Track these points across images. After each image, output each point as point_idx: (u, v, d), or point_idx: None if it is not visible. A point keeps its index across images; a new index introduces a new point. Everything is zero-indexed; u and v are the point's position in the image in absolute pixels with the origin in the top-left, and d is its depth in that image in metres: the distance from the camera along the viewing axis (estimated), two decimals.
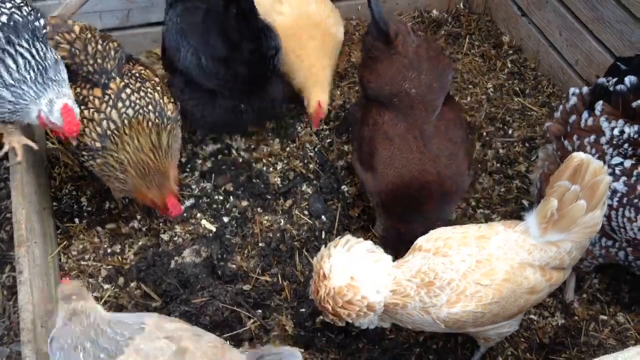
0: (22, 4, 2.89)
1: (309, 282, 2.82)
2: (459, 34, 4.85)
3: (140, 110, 3.12)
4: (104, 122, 3.06)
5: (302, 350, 3.09)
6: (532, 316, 3.23)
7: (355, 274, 2.56)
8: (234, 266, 3.39)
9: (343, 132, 4.07)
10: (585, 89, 3.09)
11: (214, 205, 3.68)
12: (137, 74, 3.25)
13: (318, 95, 3.70)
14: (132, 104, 3.11)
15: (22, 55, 2.73)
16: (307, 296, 3.23)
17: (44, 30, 2.89)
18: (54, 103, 2.78)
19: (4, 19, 2.77)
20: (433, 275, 2.53)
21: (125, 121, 3.08)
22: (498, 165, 3.94)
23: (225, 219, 3.61)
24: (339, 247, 2.64)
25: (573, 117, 3.04)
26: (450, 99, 3.36)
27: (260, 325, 3.17)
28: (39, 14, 2.92)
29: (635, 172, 2.81)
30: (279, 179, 3.82)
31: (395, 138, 3.15)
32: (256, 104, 3.59)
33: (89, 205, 3.65)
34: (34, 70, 2.75)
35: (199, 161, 3.90)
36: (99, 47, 3.24)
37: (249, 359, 2.20)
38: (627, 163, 2.84)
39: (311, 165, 3.89)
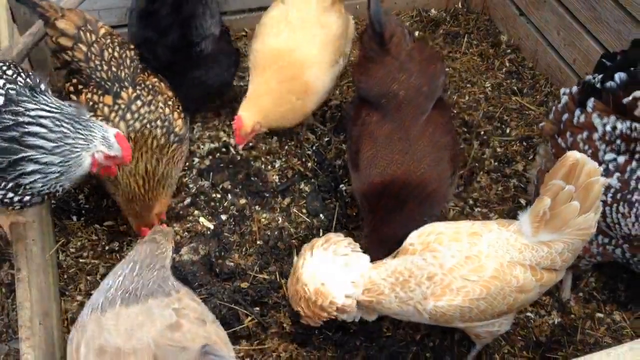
0: (14, 76, 2.61)
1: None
2: (458, 33, 4.85)
3: (148, 125, 3.10)
4: None
5: (300, 347, 3.10)
6: (528, 314, 3.24)
7: (326, 280, 2.66)
8: (231, 264, 3.39)
9: (341, 132, 4.07)
10: (574, 88, 3.11)
11: (212, 203, 3.68)
12: (150, 86, 3.24)
13: (241, 110, 3.49)
14: (141, 117, 3.11)
15: (42, 116, 2.48)
16: None
17: (43, 86, 2.64)
18: (108, 137, 2.61)
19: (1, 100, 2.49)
20: (408, 274, 2.58)
21: (132, 135, 3.05)
22: (496, 164, 3.95)
23: (223, 217, 3.62)
24: (316, 249, 2.72)
25: (565, 116, 3.06)
26: (441, 104, 3.35)
27: (258, 323, 3.18)
28: (38, 78, 2.67)
29: (628, 168, 2.83)
30: (277, 177, 3.83)
31: (380, 138, 3.15)
32: (183, 88, 3.61)
33: (87, 202, 3.66)
34: (66, 122, 2.51)
35: (197, 159, 3.91)
36: (115, 53, 3.23)
37: (200, 350, 2.23)
38: (620, 159, 2.86)
39: (309, 164, 3.90)
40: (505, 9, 4.79)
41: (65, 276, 3.34)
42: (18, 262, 2.76)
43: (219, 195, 3.72)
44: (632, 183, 2.79)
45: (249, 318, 3.18)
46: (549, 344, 3.13)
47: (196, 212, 3.63)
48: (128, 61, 3.27)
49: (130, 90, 3.16)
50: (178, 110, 3.28)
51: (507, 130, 4.15)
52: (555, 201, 2.50)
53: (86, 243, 3.47)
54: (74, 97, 3.18)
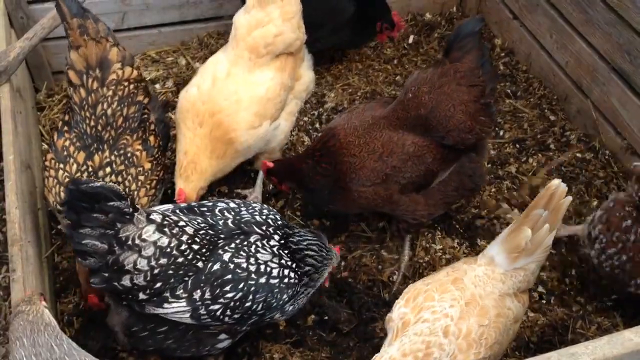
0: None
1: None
2: None
3: None
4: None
5: (293, 348, 3.12)
6: None
7: None
8: None
9: None
10: None
11: None
12: (129, 154, 3.06)
13: (181, 184, 3.30)
14: None
15: (312, 243, 2.86)
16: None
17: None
18: (337, 254, 2.98)
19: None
20: (425, 347, 2.33)
21: None
22: (489, 166, 3.97)
23: None
24: None
25: None
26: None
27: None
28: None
29: None
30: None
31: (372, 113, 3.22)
32: None
33: None
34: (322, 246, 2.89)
35: None
36: (109, 110, 3.07)
37: None
38: None
39: None
40: (499, 12, 4.82)
41: (61, 278, 3.37)
42: (13, 263, 2.77)
43: (215, 198, 3.74)
44: None
45: None
46: (540, 344, 3.14)
47: None
48: (120, 120, 3.09)
49: (106, 154, 3.02)
50: (148, 187, 3.10)
51: (501, 133, 4.18)
52: (533, 230, 2.54)
53: None
54: (55, 135, 3.10)
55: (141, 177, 3.09)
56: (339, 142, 3.13)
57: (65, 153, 3.03)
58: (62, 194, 2.93)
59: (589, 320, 3.25)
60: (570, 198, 2.57)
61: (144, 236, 2.43)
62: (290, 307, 2.80)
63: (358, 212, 3.53)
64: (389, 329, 2.52)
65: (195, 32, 4.66)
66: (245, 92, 3.32)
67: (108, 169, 3.01)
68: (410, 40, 4.80)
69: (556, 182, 2.54)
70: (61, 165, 3.00)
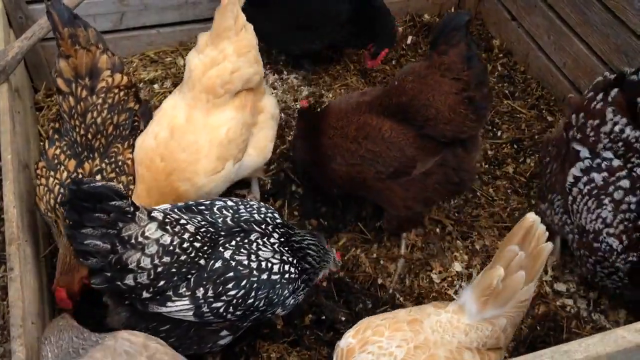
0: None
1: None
2: None
3: None
4: (60, 199, 2.94)
5: (290, 347, 3.13)
6: None
7: None
8: None
9: None
10: (610, 75, 3.07)
11: None
12: (120, 162, 3.07)
13: None
14: None
15: (311, 243, 2.91)
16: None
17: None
18: (335, 258, 3.05)
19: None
20: None
21: None
22: (486, 166, 3.98)
23: None
24: None
25: (590, 94, 3.06)
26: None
27: None
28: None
29: (617, 174, 2.88)
30: (269, 180, 3.86)
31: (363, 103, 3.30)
32: None
33: None
34: (320, 245, 2.95)
35: None
36: (99, 119, 3.06)
37: None
38: (615, 162, 2.91)
39: None
40: (497, 14, 4.83)
41: None
42: (11, 261, 2.77)
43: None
44: (611, 189, 2.86)
45: None
46: (536, 344, 3.14)
47: None
48: (110, 128, 3.08)
49: (97, 162, 3.02)
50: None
51: (499, 133, 4.19)
52: (507, 270, 2.33)
53: None
54: (47, 143, 3.10)
55: (132, 186, 3.10)
56: (322, 122, 3.29)
57: (56, 161, 3.04)
58: (52, 202, 2.95)
59: (583, 319, 3.25)
60: (551, 245, 2.37)
61: (146, 234, 2.44)
62: (292, 301, 2.82)
63: (339, 191, 3.50)
64: (334, 356, 2.47)
65: (193, 32, 4.64)
66: (205, 137, 3.12)
67: (99, 177, 3.01)
68: (409, 41, 4.81)
69: (531, 216, 2.33)
70: (52, 173, 3.01)
